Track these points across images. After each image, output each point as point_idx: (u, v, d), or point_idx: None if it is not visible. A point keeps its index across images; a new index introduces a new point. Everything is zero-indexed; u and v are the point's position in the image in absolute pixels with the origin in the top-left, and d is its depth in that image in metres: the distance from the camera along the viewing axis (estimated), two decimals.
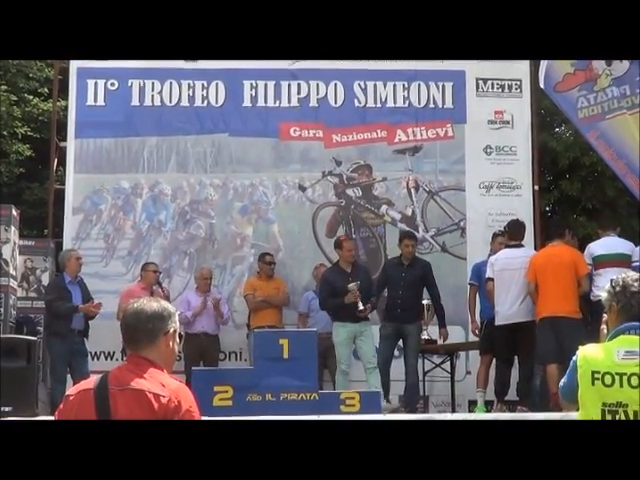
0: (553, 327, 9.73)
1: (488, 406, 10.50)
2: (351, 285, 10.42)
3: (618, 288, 4.31)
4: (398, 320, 10.63)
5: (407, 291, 10.74)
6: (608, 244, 10.33)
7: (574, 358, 4.27)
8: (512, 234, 10.54)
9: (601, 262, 9.97)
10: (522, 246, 10.42)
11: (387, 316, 10.73)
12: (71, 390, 3.95)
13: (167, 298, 11.25)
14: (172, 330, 3.97)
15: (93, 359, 11.60)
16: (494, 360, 10.46)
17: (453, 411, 10.71)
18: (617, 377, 4.10)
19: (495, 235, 11.08)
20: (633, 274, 4.42)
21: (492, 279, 10.33)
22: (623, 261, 9.96)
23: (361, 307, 10.37)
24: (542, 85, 11.47)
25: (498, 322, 10.20)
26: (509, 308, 10.11)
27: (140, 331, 3.90)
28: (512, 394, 10.31)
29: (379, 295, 10.91)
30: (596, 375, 4.13)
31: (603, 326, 4.41)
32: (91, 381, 3.87)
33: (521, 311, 10.05)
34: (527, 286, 10.05)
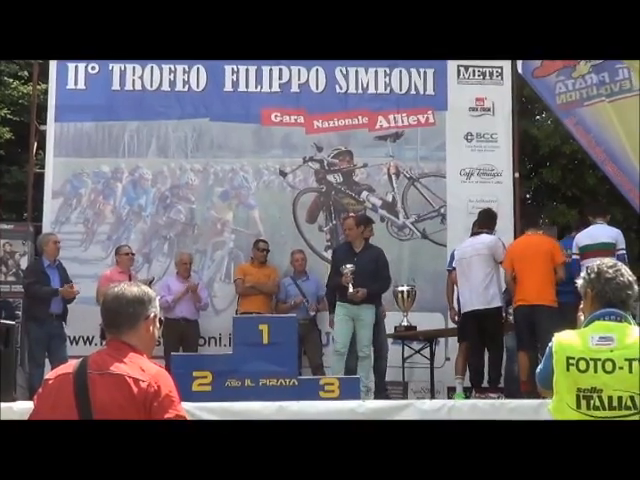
0: (530, 315, 9.83)
1: (467, 393, 10.54)
2: (343, 268, 10.41)
3: (593, 275, 4.35)
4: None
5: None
6: (593, 234, 10.38)
7: (550, 344, 4.30)
8: (480, 223, 10.63)
9: (586, 252, 10.02)
10: (483, 233, 10.46)
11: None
12: (50, 374, 3.95)
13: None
14: (153, 315, 3.98)
15: (72, 344, 11.59)
16: None
17: (432, 397, 10.73)
18: (591, 363, 4.13)
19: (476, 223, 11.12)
20: (608, 261, 4.45)
21: (454, 269, 10.58)
22: (607, 250, 10.03)
23: (350, 290, 10.36)
24: (520, 71, 11.52)
25: (462, 310, 10.34)
26: (469, 295, 10.22)
27: (121, 315, 3.90)
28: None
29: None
30: (571, 361, 4.16)
31: (580, 313, 4.44)
32: (70, 365, 3.86)
33: (483, 298, 10.11)
34: (504, 275, 10.17)
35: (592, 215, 10.80)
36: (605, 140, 10.73)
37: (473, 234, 10.58)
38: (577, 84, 11.04)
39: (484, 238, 10.36)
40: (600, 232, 10.39)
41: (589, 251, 10.01)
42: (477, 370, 10.28)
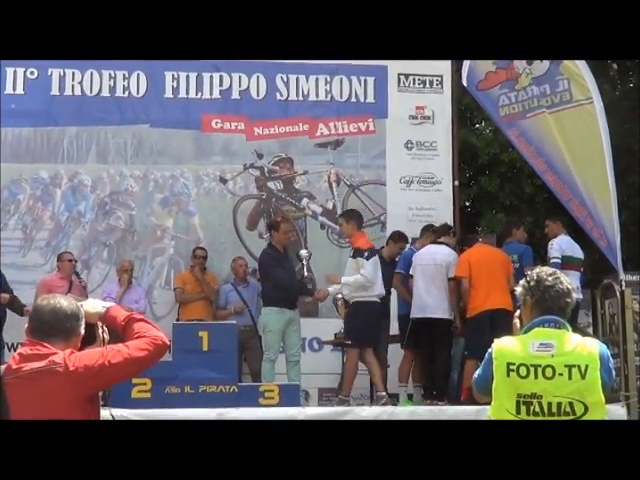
0: (492, 320, 9.94)
1: (410, 400, 10.63)
2: (303, 252, 10.60)
3: (532, 282, 4.39)
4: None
5: (388, 286, 10.91)
6: (573, 247, 10.93)
7: (489, 350, 4.34)
8: (439, 232, 10.84)
9: (568, 264, 10.36)
10: (443, 244, 10.66)
11: None
12: None
13: (84, 289, 11.20)
14: (82, 332, 3.97)
15: (10, 350, 11.45)
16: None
17: (371, 404, 10.75)
18: (532, 369, 4.17)
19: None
20: (547, 268, 4.51)
21: (410, 275, 10.73)
22: (580, 265, 10.88)
23: (306, 274, 10.51)
24: (465, 83, 11.58)
25: (414, 314, 10.42)
26: (424, 302, 10.31)
27: (57, 329, 3.89)
28: None
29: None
30: (511, 367, 4.20)
31: (516, 320, 4.49)
32: None
33: (442, 307, 10.20)
34: (461, 283, 10.34)
35: (560, 225, 11.24)
36: (546, 151, 10.86)
37: (435, 243, 10.70)
38: (520, 96, 11.13)
39: (445, 250, 10.52)
40: (577, 247, 10.97)
41: (571, 263, 10.52)
42: (431, 378, 10.45)
